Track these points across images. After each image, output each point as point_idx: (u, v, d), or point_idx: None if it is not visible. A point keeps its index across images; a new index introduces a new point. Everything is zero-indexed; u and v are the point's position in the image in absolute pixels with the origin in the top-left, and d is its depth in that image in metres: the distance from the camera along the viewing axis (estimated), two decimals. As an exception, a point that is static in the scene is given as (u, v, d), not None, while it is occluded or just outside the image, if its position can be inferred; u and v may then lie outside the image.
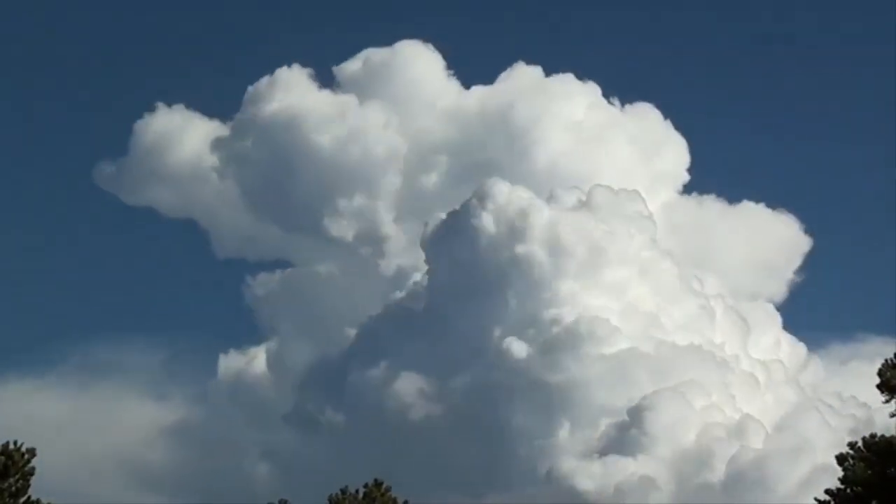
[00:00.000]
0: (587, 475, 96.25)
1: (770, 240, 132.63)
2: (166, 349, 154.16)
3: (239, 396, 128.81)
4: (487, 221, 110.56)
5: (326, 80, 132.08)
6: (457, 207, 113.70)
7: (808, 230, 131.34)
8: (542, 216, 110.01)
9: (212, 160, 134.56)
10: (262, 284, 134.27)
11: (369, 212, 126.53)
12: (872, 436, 50.16)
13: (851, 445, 50.39)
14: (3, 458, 46.20)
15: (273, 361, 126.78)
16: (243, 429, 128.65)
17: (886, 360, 50.55)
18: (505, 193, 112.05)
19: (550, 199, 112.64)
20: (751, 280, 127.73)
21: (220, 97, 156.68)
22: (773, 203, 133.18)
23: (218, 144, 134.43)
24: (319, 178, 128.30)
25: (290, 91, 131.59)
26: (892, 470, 49.07)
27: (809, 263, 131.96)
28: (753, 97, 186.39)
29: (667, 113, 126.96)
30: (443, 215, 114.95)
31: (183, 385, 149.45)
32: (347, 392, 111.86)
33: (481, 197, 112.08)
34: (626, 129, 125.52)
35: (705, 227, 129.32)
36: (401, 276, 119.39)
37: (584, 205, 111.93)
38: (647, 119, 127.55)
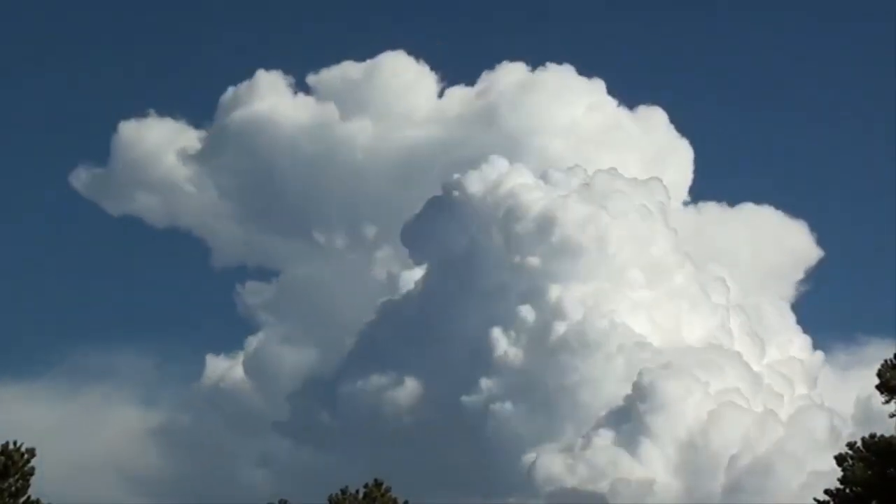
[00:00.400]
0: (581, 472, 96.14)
1: (779, 243, 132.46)
2: (156, 354, 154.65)
3: (227, 401, 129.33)
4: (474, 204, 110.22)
5: (305, 86, 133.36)
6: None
7: (819, 239, 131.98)
8: (537, 203, 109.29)
9: (195, 168, 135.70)
10: (252, 291, 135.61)
11: (358, 217, 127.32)
12: (872, 436, 50.18)
13: (851, 445, 50.44)
14: (2, 458, 46.20)
15: (260, 366, 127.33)
16: (231, 433, 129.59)
17: (886, 361, 50.61)
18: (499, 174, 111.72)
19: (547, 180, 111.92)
20: (760, 282, 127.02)
21: (201, 105, 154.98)
22: (779, 205, 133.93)
23: (201, 152, 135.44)
24: (306, 185, 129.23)
25: (271, 97, 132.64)
26: (892, 470, 49.06)
27: (817, 267, 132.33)
28: (759, 98, 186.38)
29: (672, 116, 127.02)
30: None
31: (173, 390, 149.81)
32: (340, 396, 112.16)
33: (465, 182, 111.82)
34: (632, 134, 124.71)
35: (713, 231, 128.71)
36: (392, 279, 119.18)
37: (588, 192, 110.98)
38: (652, 123, 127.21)
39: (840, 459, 50.54)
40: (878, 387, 50.24)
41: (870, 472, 49.42)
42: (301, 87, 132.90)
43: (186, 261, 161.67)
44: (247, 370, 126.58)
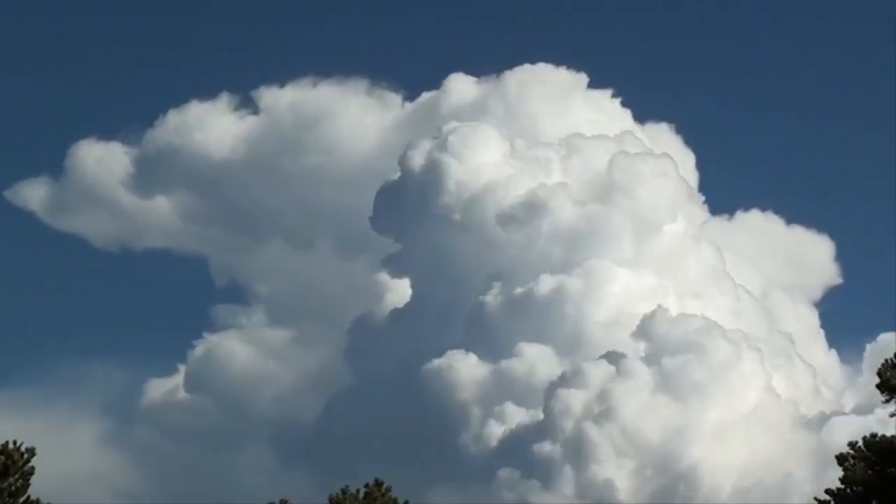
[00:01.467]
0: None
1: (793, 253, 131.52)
2: (129, 369, 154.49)
3: (199, 414, 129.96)
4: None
5: (256, 106, 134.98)
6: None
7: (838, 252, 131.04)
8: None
9: (153, 186, 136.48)
10: (222, 309, 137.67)
11: (330, 227, 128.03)
12: (873, 436, 50.08)
13: (852, 445, 50.32)
14: (2, 457, 46.21)
15: (235, 378, 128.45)
16: (203, 447, 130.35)
17: (886, 360, 50.48)
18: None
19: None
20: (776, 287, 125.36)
21: (150, 124, 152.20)
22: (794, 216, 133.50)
23: (156, 171, 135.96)
24: (265, 200, 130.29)
25: (223, 117, 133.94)
26: (892, 470, 48.91)
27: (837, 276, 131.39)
28: (760, 99, 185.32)
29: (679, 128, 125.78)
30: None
31: (142, 405, 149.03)
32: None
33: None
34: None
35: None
36: (366, 286, 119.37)
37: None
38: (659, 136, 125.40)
39: (841, 459, 50.45)
40: (878, 386, 50.17)
41: (870, 472, 49.32)
42: (253, 106, 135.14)
43: (146, 278, 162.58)
44: (217, 382, 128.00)
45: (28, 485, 46.70)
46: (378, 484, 52.78)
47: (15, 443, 46.63)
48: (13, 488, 46.26)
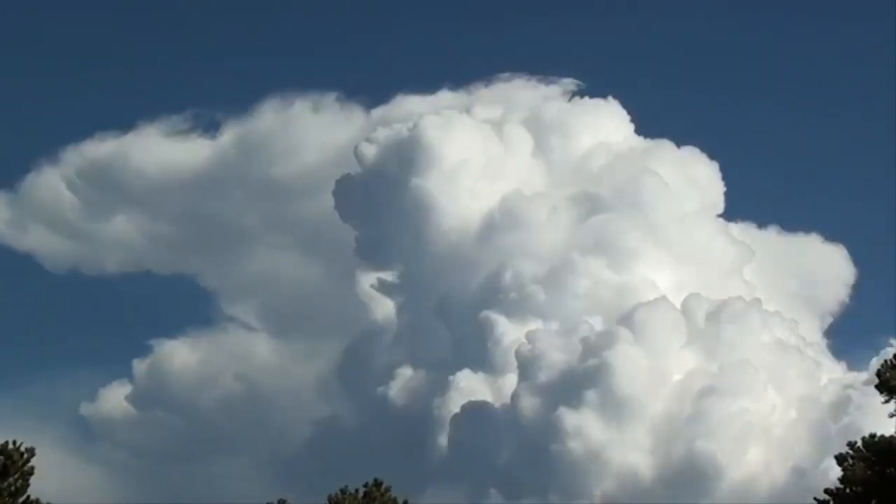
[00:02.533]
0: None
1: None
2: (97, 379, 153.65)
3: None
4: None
5: (218, 126, 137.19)
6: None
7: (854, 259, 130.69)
8: None
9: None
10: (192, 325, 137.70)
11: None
12: (872, 436, 50.06)
13: (851, 445, 50.29)
14: (2, 457, 46.11)
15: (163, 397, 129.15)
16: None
17: (886, 361, 50.50)
18: None
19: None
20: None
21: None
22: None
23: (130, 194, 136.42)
24: (231, 217, 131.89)
25: (175, 135, 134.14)
26: (892, 470, 48.91)
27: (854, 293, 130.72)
28: (762, 98, 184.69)
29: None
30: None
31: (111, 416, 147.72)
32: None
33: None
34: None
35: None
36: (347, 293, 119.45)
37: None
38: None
39: (840, 459, 50.42)
40: (877, 386, 50.13)
41: (870, 472, 49.31)
42: (216, 126, 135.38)
43: (110, 296, 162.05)
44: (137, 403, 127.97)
45: (28, 485, 46.61)
46: (377, 483, 52.66)
47: (14, 443, 46.55)
48: (13, 488, 46.18)
